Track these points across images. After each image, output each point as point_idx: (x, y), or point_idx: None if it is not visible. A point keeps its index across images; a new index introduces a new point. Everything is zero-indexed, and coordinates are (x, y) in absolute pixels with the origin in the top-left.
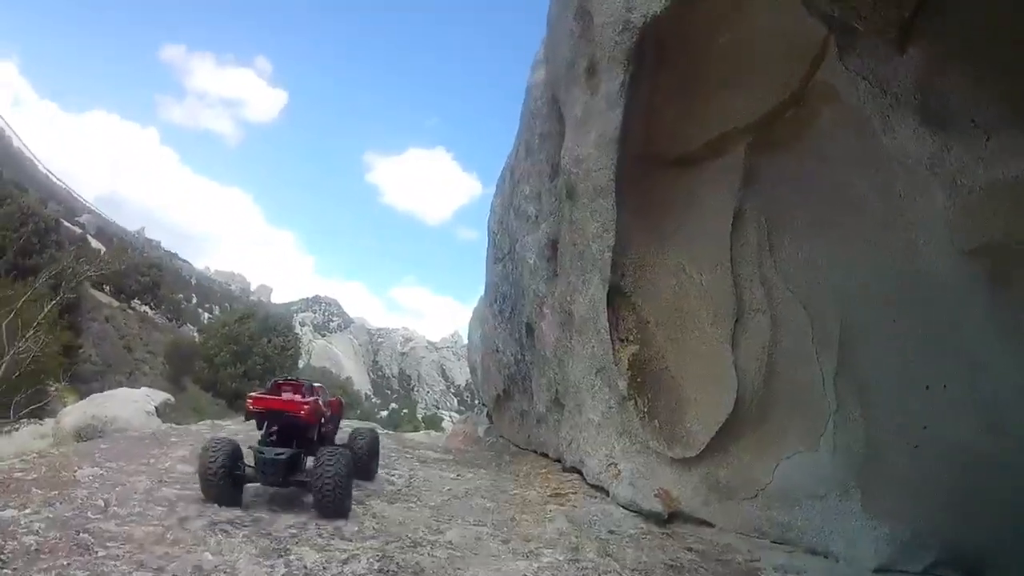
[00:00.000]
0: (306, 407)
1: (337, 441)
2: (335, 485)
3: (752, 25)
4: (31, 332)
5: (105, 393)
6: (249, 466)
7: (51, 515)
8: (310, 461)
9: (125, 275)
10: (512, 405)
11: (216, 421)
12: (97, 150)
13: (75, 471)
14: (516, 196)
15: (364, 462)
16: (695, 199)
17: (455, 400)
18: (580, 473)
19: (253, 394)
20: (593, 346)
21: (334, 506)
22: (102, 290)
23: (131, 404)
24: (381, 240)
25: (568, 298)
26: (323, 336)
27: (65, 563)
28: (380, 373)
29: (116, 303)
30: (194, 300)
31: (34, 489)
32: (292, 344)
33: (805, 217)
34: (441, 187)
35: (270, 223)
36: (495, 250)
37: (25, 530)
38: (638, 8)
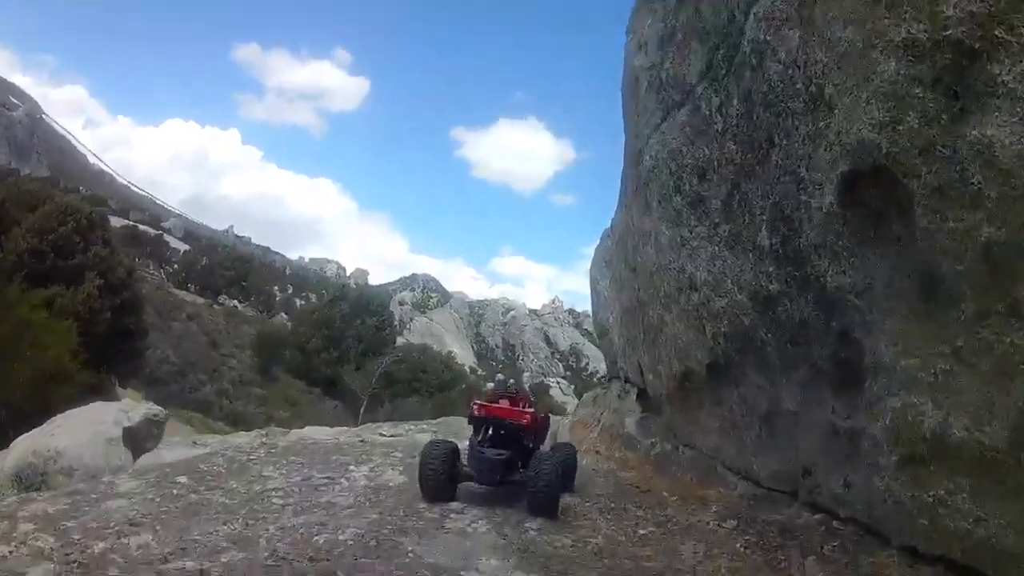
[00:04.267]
0: (528, 416)
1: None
2: (549, 486)
3: None
4: None
5: (67, 413)
6: (465, 466)
7: None
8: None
9: (209, 271)
10: (734, 395)
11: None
12: (179, 157)
13: None
14: None
15: (567, 474)
16: None
17: (560, 366)
18: None
19: (479, 402)
20: None
21: (547, 506)
22: (187, 288)
23: (89, 428)
24: (476, 214)
25: None
26: (423, 313)
27: None
28: (484, 345)
29: (201, 300)
30: (290, 290)
31: None
32: (387, 323)
33: None
34: (533, 156)
35: (363, 209)
36: (663, 86)
37: None
38: None
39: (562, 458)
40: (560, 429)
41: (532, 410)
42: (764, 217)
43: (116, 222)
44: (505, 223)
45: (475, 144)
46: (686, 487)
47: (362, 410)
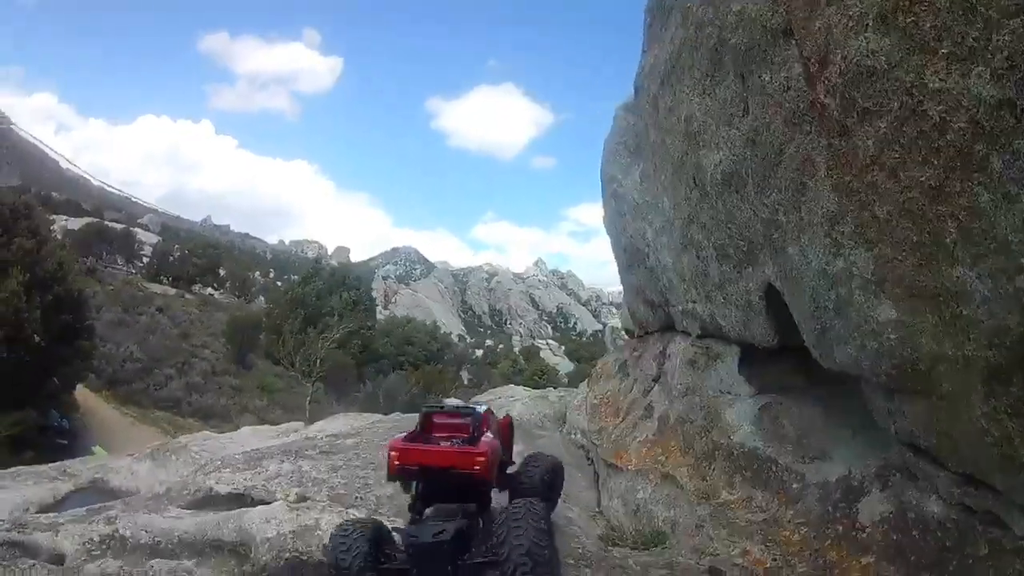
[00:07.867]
0: (480, 458)
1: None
2: (535, 559)
3: None
4: None
5: None
6: (400, 552)
7: None
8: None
9: (181, 261)
10: None
11: None
12: (154, 154)
13: None
14: None
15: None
16: None
17: (549, 327)
18: None
19: (397, 443)
20: None
21: None
22: (160, 281)
23: None
24: (456, 183)
25: None
26: (407, 285)
27: None
28: (470, 312)
29: (173, 291)
30: (272, 274)
31: None
32: (365, 297)
33: None
34: (511, 121)
35: (341, 188)
36: None
37: None
38: None
39: (541, 512)
40: (568, 413)
41: (488, 438)
42: None
43: (80, 221)
44: (486, 189)
45: (451, 114)
46: None
47: (308, 402)
